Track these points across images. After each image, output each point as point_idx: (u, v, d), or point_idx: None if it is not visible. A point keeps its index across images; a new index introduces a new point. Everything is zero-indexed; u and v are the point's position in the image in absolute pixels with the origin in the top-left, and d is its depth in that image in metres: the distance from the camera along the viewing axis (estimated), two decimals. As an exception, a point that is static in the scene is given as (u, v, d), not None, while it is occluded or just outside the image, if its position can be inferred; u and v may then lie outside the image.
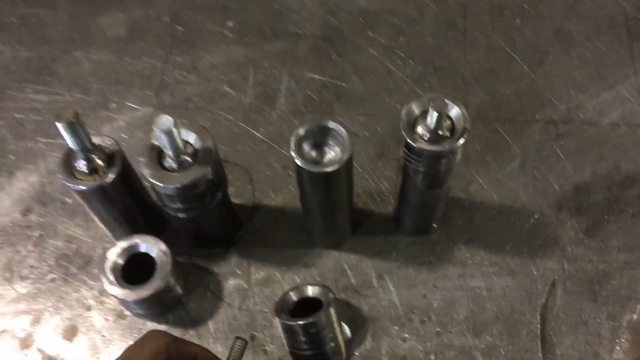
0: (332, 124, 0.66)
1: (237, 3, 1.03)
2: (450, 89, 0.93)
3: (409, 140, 0.64)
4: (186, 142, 0.67)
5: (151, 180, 0.66)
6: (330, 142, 0.67)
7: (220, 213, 0.77)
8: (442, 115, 0.61)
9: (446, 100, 0.62)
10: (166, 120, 0.62)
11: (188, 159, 0.67)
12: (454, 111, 0.65)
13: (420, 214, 0.79)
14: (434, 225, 0.82)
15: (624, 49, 0.96)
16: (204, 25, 1.01)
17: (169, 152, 0.65)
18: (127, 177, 0.72)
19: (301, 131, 0.66)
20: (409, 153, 0.66)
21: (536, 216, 0.84)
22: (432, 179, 0.69)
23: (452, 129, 0.65)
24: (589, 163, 0.87)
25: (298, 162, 0.64)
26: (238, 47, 0.99)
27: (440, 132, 0.64)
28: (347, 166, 0.66)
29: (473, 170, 0.87)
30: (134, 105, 0.94)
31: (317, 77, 0.96)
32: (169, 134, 0.62)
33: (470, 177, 0.87)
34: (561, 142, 0.89)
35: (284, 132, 0.91)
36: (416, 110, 0.66)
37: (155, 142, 0.67)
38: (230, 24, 1.01)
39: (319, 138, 0.67)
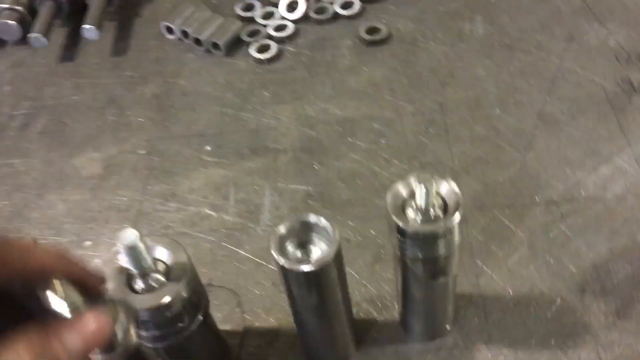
0: (313, 218, 0.60)
1: (214, 128, 1.02)
2: (441, 183, 0.89)
3: (400, 224, 0.58)
4: (156, 260, 0.61)
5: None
6: (315, 239, 0.61)
7: (204, 340, 0.68)
8: (430, 190, 0.56)
9: (433, 177, 0.57)
10: (130, 234, 0.56)
11: (160, 277, 0.60)
12: (444, 188, 0.59)
13: (428, 313, 0.70)
14: (447, 326, 0.74)
15: (612, 123, 0.93)
16: (181, 152, 0.98)
17: (135, 270, 0.58)
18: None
19: (282, 229, 0.60)
20: (402, 239, 0.59)
21: (558, 303, 0.75)
22: (433, 265, 0.62)
23: (445, 208, 0.59)
24: (603, 240, 0.80)
25: (281, 262, 0.58)
26: (217, 169, 0.96)
27: (432, 212, 0.58)
28: (337, 261, 0.59)
29: (479, 262, 0.80)
30: (109, 240, 0.88)
31: (300, 187, 0.91)
32: (133, 249, 0.56)
33: (477, 270, 0.79)
34: (568, 221, 0.83)
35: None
36: (403, 192, 0.60)
37: (123, 263, 0.61)
38: (208, 147, 0.99)
39: (303, 236, 0.61)
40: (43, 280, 0.43)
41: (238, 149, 0.98)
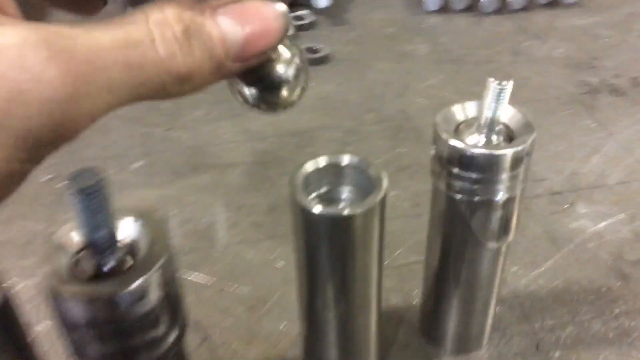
0: (345, 160, 0.44)
1: (138, 148, 0.82)
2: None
3: (457, 144, 0.43)
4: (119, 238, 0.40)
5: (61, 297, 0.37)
6: (344, 191, 0.45)
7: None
8: (504, 94, 0.42)
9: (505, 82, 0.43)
10: (91, 175, 0.36)
11: (126, 257, 0.40)
12: (508, 111, 0.46)
13: (467, 305, 0.54)
14: (484, 337, 0.57)
15: (587, 119, 0.87)
16: (98, 175, 0.77)
17: (91, 233, 0.38)
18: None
19: (308, 168, 0.43)
20: (460, 173, 0.44)
21: (603, 291, 0.62)
22: (494, 214, 0.47)
23: (509, 137, 0.46)
24: (624, 224, 0.70)
25: (310, 207, 0.40)
26: (150, 189, 0.76)
27: (493, 135, 0.44)
28: (381, 211, 0.42)
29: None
30: (16, 278, 0.64)
31: (261, 200, 0.74)
32: (92, 196, 0.36)
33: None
34: (578, 210, 0.72)
35: (236, 266, 0.65)
36: (458, 115, 0.46)
37: (62, 239, 0.40)
38: (135, 165, 0.79)
39: (331, 184, 0.44)
40: None
41: (173, 167, 0.79)
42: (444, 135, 0.44)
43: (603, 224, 0.70)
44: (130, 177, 0.77)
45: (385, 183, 0.42)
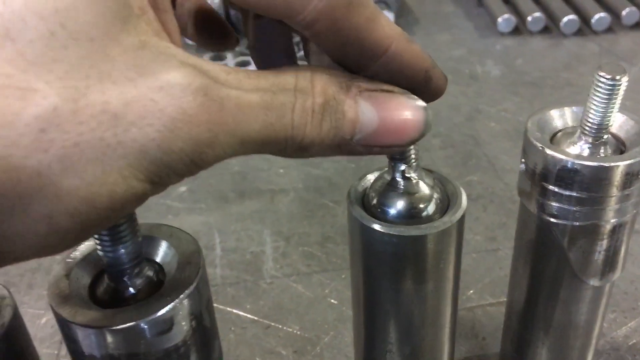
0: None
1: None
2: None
3: (563, 158, 0.34)
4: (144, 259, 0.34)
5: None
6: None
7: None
8: (617, 92, 0.34)
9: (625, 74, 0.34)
10: None
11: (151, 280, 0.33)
12: (621, 121, 0.37)
13: (562, 354, 0.44)
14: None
15: None
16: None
17: (116, 252, 0.31)
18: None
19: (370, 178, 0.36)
20: (558, 190, 0.35)
21: None
22: (598, 245, 0.37)
23: (619, 147, 0.37)
24: None
25: (374, 225, 0.32)
26: (193, 215, 0.69)
27: (600, 143, 0.35)
28: (459, 230, 0.34)
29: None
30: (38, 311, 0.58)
31: (314, 229, 0.66)
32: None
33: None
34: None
35: (284, 303, 0.57)
36: (555, 121, 0.38)
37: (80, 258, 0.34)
38: (180, 190, 0.73)
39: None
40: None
41: (219, 193, 0.73)
42: (538, 144, 0.35)
43: None
44: (174, 202, 0.71)
45: (464, 200, 0.34)
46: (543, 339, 0.42)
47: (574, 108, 0.38)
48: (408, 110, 0.27)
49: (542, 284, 0.40)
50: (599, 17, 1.02)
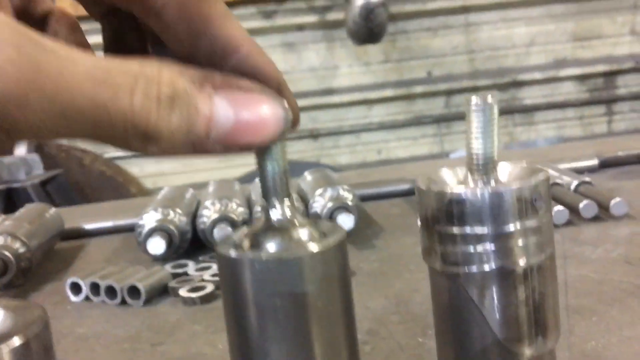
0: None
1: (119, 366, 0.70)
2: None
3: (443, 189, 0.32)
4: None
5: None
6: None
7: None
8: (492, 112, 0.33)
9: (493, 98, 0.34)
10: None
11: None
12: (509, 168, 0.36)
13: None
14: None
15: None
16: None
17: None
18: None
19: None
20: (453, 228, 0.32)
21: None
22: (523, 295, 0.32)
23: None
24: None
25: (228, 253, 0.29)
26: None
27: (487, 173, 0.33)
28: (341, 255, 0.30)
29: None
30: None
31: None
32: None
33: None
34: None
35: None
36: (448, 178, 0.36)
37: None
38: None
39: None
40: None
41: (154, 379, 0.66)
42: (425, 186, 0.33)
43: None
44: None
45: (342, 234, 0.31)
46: None
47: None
48: (266, 107, 0.27)
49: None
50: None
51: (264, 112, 0.27)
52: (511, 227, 0.31)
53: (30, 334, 0.27)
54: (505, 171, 0.35)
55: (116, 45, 0.35)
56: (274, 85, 0.29)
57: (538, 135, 4.07)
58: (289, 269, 0.27)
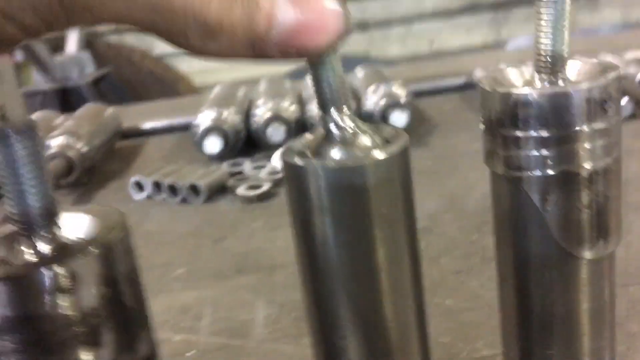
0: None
1: (186, 257, 0.74)
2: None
3: (509, 91, 0.31)
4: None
5: None
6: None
7: None
8: (564, 9, 0.31)
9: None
10: None
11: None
12: (579, 64, 0.34)
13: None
14: None
15: None
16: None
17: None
18: None
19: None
20: (518, 132, 0.31)
21: None
22: (587, 199, 0.32)
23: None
24: None
25: (310, 163, 0.29)
26: (186, 291, 0.66)
27: (560, 77, 0.32)
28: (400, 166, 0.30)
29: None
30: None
31: (310, 295, 0.61)
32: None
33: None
34: None
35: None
36: (513, 78, 0.35)
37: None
38: (178, 272, 0.70)
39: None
40: None
41: (218, 271, 0.69)
42: (490, 87, 0.32)
43: None
44: (170, 282, 0.68)
45: (405, 139, 0.30)
46: (544, 339, 0.35)
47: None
48: (327, 9, 0.26)
49: (529, 267, 0.34)
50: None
51: (325, 11, 0.26)
52: (578, 130, 0.30)
53: (114, 238, 0.29)
54: (575, 69, 0.33)
55: None
56: None
57: (602, 21, 3.84)
58: (354, 176, 0.27)
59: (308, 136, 0.33)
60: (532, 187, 0.32)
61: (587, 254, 0.33)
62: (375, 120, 0.99)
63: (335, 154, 0.30)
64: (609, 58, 1.08)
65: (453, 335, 0.52)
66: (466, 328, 0.53)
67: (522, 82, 0.33)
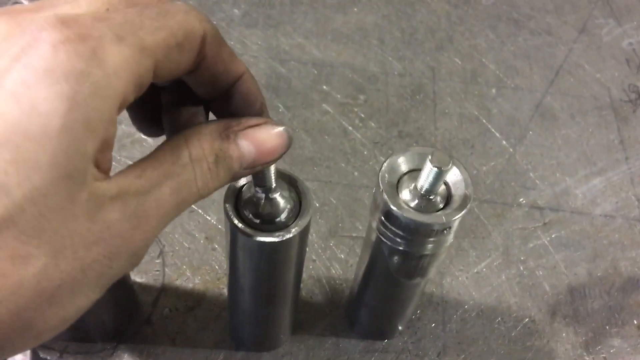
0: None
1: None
2: (419, 159, 0.77)
3: (391, 206, 0.45)
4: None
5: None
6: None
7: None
8: (442, 175, 0.44)
9: (452, 161, 0.44)
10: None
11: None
12: (454, 174, 0.47)
13: (385, 312, 0.59)
14: (399, 327, 0.63)
15: (612, 132, 0.84)
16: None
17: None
18: None
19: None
20: (387, 224, 0.47)
21: (525, 322, 0.66)
22: (413, 264, 0.50)
23: (447, 198, 0.47)
24: (584, 261, 0.72)
25: (235, 221, 0.44)
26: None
27: (431, 198, 0.46)
28: (302, 235, 0.46)
29: (447, 259, 0.69)
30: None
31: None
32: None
33: (443, 267, 0.69)
34: (550, 232, 0.73)
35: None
36: (402, 166, 0.48)
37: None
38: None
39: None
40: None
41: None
42: (381, 188, 0.46)
43: (562, 254, 0.72)
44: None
45: (309, 212, 0.45)
46: (375, 304, 0.57)
47: (428, 160, 0.47)
48: (274, 134, 0.36)
49: (376, 275, 0.54)
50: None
51: (274, 139, 0.36)
52: (424, 239, 0.46)
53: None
54: (450, 182, 0.47)
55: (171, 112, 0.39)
56: (257, 108, 0.37)
57: None
58: (271, 246, 0.43)
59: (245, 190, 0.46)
60: (387, 249, 0.49)
61: (411, 283, 0.52)
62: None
63: (258, 216, 0.45)
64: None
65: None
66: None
67: (410, 182, 0.46)
